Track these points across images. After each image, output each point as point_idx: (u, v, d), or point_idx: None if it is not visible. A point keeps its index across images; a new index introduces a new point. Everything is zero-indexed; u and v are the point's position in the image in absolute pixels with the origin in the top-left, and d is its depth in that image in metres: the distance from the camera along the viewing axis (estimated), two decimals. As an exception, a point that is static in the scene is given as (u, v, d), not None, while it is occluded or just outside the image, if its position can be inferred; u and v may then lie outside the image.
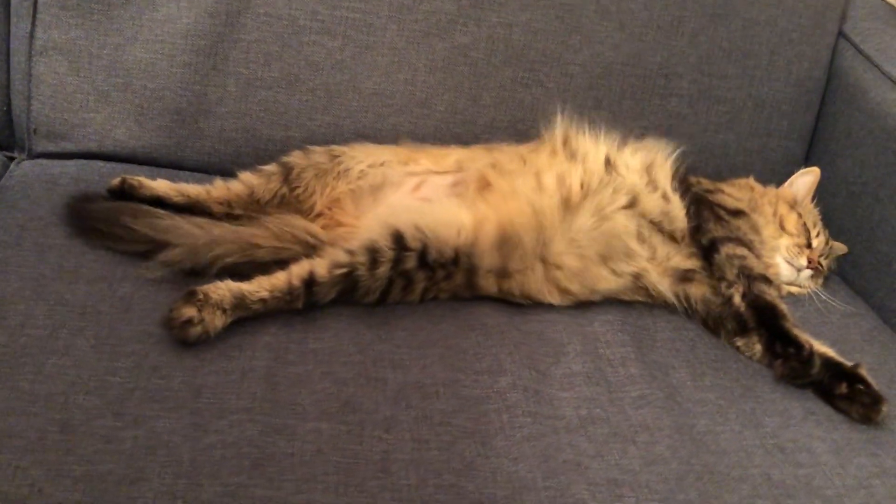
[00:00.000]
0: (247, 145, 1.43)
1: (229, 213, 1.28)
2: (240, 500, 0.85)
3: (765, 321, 1.21)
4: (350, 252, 1.14)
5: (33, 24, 1.31)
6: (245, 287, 1.07)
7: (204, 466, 0.87)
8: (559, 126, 1.39)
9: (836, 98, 1.59)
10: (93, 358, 0.97)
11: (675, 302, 1.29)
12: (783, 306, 1.23)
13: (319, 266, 1.12)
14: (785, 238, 1.41)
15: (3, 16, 1.34)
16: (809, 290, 1.41)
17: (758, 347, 1.22)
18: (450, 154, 1.39)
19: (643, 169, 1.37)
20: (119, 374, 0.96)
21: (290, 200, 1.31)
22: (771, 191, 1.49)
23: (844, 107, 1.57)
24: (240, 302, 1.06)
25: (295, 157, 1.34)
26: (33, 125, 1.36)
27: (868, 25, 1.61)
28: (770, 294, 1.24)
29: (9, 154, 1.40)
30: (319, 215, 1.31)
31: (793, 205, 1.46)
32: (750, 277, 1.25)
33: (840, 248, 1.50)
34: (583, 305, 1.27)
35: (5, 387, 0.91)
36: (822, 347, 1.20)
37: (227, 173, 1.37)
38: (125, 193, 1.25)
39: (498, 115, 1.49)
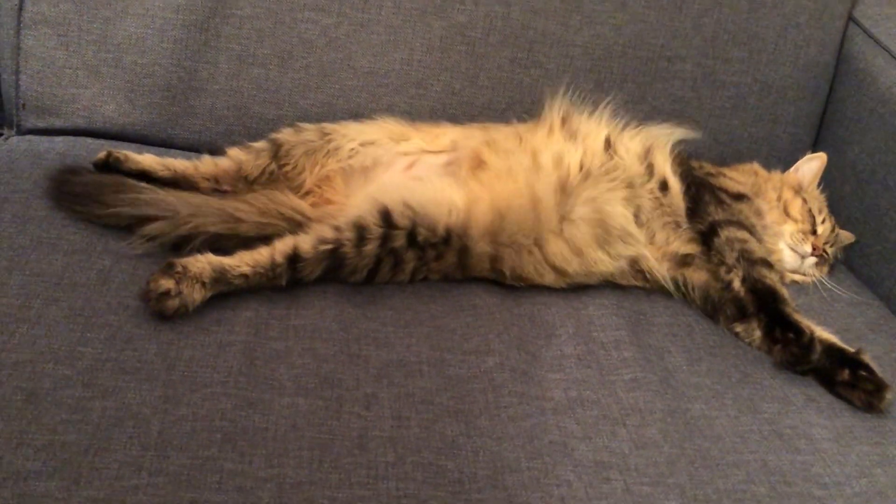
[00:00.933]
0: (238, 123, 1.40)
1: (216, 188, 1.26)
2: (207, 473, 0.82)
3: (764, 306, 1.16)
4: (336, 228, 1.11)
5: (22, -3, 1.29)
6: (226, 261, 1.04)
7: (173, 439, 0.84)
8: (559, 104, 1.35)
9: (845, 83, 1.55)
10: (65, 328, 0.95)
11: (672, 287, 1.25)
12: (784, 291, 1.19)
13: (304, 242, 1.09)
14: (789, 224, 1.37)
15: (-8, -12, 1.32)
16: (814, 278, 1.36)
17: (757, 333, 1.17)
18: (444, 133, 1.35)
19: (643, 152, 1.33)
20: (91, 344, 0.93)
21: (279, 177, 1.28)
22: (776, 176, 1.45)
23: (854, 92, 1.52)
24: (220, 276, 1.03)
25: (285, 134, 1.31)
26: (22, 100, 1.34)
27: (879, 10, 1.57)
28: (771, 278, 1.19)
29: (-3, 131, 1.38)
30: (308, 193, 1.28)
31: (798, 190, 1.41)
32: (750, 261, 1.21)
33: (847, 236, 1.45)
34: (578, 289, 1.24)
35: (-29, 354, 0.89)
36: (824, 333, 1.15)
37: (219, 152, 1.34)
38: (111, 167, 1.23)
39: (496, 97, 1.45)
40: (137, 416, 0.86)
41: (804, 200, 1.39)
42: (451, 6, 1.39)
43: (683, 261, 1.28)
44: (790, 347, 1.12)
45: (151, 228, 1.09)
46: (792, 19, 1.50)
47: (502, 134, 1.32)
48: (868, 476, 0.97)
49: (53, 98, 1.34)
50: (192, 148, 1.40)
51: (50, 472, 0.78)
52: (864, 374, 1.09)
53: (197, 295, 1.00)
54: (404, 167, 1.29)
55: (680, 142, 1.38)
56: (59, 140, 1.33)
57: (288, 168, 1.28)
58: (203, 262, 1.02)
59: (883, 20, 1.55)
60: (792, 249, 1.35)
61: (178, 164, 1.25)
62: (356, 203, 1.19)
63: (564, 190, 1.23)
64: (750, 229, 1.27)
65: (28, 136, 1.35)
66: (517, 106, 1.46)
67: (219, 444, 0.85)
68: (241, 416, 0.89)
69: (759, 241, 1.27)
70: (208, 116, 1.39)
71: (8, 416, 0.83)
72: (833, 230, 1.41)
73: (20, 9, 1.30)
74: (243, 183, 1.27)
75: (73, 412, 0.85)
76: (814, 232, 1.37)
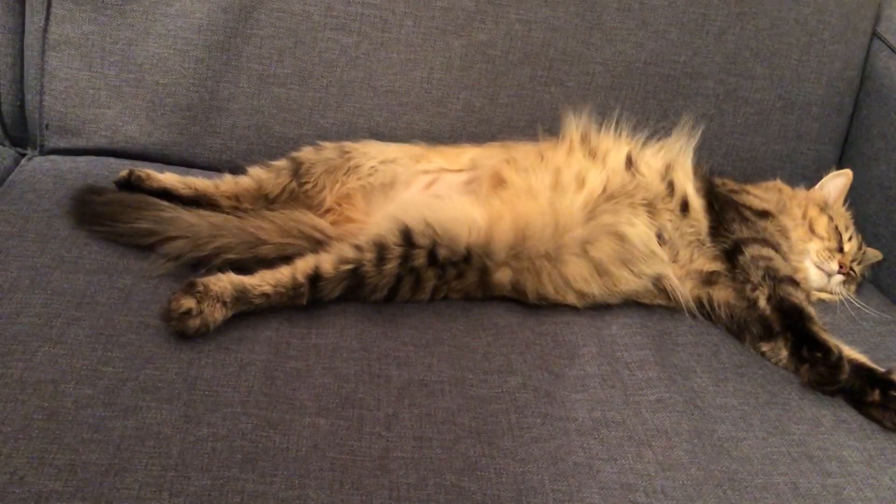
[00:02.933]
0: (259, 143, 1.41)
1: (237, 206, 1.25)
2: (227, 494, 0.81)
3: (791, 324, 1.15)
4: (357, 247, 1.11)
5: (47, 19, 1.31)
6: (247, 280, 1.04)
7: (194, 459, 0.84)
8: (578, 122, 1.34)
9: (871, 100, 1.54)
10: (87, 347, 0.94)
11: (696, 307, 1.24)
12: (810, 309, 1.17)
13: (325, 261, 1.08)
14: (815, 242, 1.35)
15: (18, 10, 1.34)
16: (841, 296, 1.34)
17: (784, 353, 1.16)
18: (464, 152, 1.35)
19: (664, 169, 1.32)
20: (112, 363, 0.93)
21: (300, 196, 1.28)
22: (800, 193, 1.43)
23: (879, 109, 1.51)
24: (241, 295, 1.02)
25: (305, 153, 1.32)
26: (45, 120, 1.35)
27: (904, 25, 1.56)
28: (797, 296, 1.18)
29: (21, 150, 1.39)
30: (329, 211, 1.28)
31: (823, 207, 1.40)
32: (776, 279, 1.19)
33: (875, 254, 1.43)
34: (601, 308, 1.23)
35: (-5, 373, 0.89)
36: (852, 353, 1.13)
37: (240, 171, 1.34)
38: (132, 185, 1.23)
39: (516, 115, 1.45)
40: (158, 436, 0.85)
41: (830, 218, 1.37)
42: (471, 25, 1.39)
43: (708, 279, 1.26)
44: (818, 367, 1.10)
45: (173, 247, 1.09)
46: (815, 35, 1.49)
47: (522, 152, 1.32)
48: (902, 500, 0.95)
49: (76, 118, 1.35)
50: (214, 167, 1.40)
51: (71, 492, 0.78)
52: (894, 394, 1.06)
53: (218, 314, 1.00)
54: (424, 185, 1.29)
55: (702, 157, 1.37)
56: (81, 160, 1.34)
57: (308, 186, 1.28)
58: (224, 282, 1.02)
59: (908, 36, 1.53)
60: (818, 267, 1.33)
61: (200, 182, 1.25)
62: (376, 221, 1.18)
63: (587, 211, 1.22)
64: (775, 247, 1.25)
65: (51, 156, 1.36)
66: (537, 123, 1.45)
67: (239, 465, 0.84)
68: (261, 437, 0.88)
69: (785, 258, 1.25)
70: (229, 135, 1.40)
71: (29, 435, 0.82)
72: (860, 248, 1.39)
73: (45, 30, 1.31)
74: (264, 201, 1.27)
75: (95, 432, 0.84)
76: (840, 249, 1.35)
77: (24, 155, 1.38)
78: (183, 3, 1.32)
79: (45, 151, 1.38)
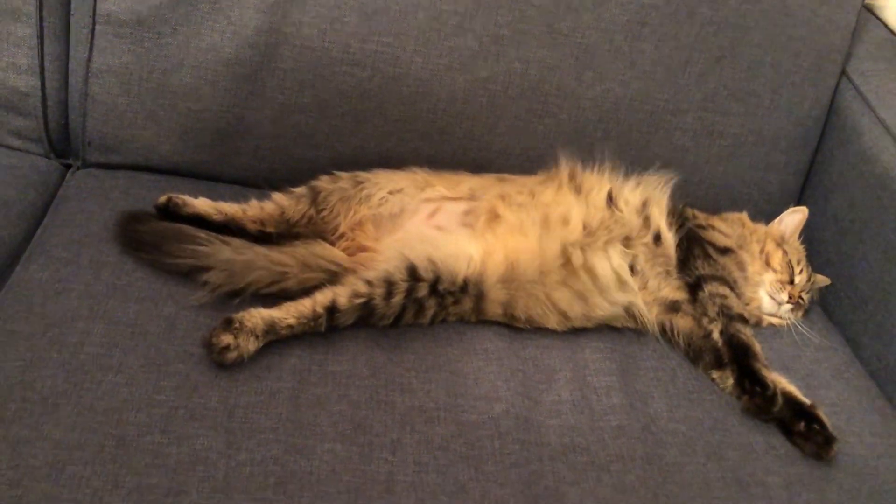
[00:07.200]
0: (279, 163, 1.56)
1: (262, 230, 1.41)
2: (265, 515, 1.00)
3: (738, 358, 1.34)
4: (368, 283, 1.28)
5: (90, 50, 1.44)
6: (275, 314, 1.21)
7: (236, 482, 1.03)
8: (567, 161, 1.51)
9: (834, 137, 1.68)
10: (142, 377, 1.12)
11: (659, 332, 1.42)
12: (757, 347, 1.36)
13: (341, 295, 1.26)
14: (769, 274, 1.53)
15: (64, 41, 1.47)
16: (789, 321, 1.53)
17: (730, 381, 1.34)
18: (463, 181, 1.51)
19: (641, 205, 1.49)
20: (164, 392, 1.11)
21: (317, 221, 1.44)
22: (761, 228, 1.61)
23: (840, 146, 1.66)
24: (270, 328, 1.20)
25: (322, 182, 1.47)
26: (88, 139, 1.50)
27: (870, 66, 1.69)
28: (745, 334, 1.37)
29: (65, 162, 1.55)
30: (342, 236, 1.44)
31: (780, 242, 1.57)
32: (729, 317, 1.38)
33: (823, 280, 1.62)
34: (577, 331, 1.40)
35: (70, 402, 1.07)
36: (787, 385, 1.33)
37: (261, 186, 1.52)
38: (170, 210, 1.39)
39: (511, 143, 1.60)
40: (206, 461, 1.04)
41: (785, 252, 1.55)
42: (474, 63, 1.53)
43: (672, 306, 1.44)
44: (755, 399, 1.29)
45: (210, 276, 1.26)
46: (788, 77, 1.64)
47: (515, 188, 1.48)
48: (810, 522, 1.16)
49: (115, 138, 1.50)
50: (238, 182, 1.56)
51: (141, 513, 0.98)
52: (816, 427, 1.26)
53: (252, 346, 1.18)
54: (427, 215, 1.45)
55: (676, 192, 1.54)
56: (120, 175, 1.49)
57: (325, 213, 1.44)
58: (256, 318, 1.19)
59: (873, 76, 1.67)
60: (770, 297, 1.52)
61: (229, 208, 1.41)
62: (385, 255, 1.34)
63: (570, 246, 1.39)
64: (731, 285, 1.44)
65: (92, 170, 1.51)
66: (531, 151, 1.61)
67: (273, 488, 1.03)
68: (289, 461, 1.07)
69: (739, 296, 1.44)
70: (252, 156, 1.55)
71: (103, 459, 1.01)
72: (809, 279, 1.57)
73: (89, 60, 1.44)
74: (286, 225, 1.43)
75: (155, 457, 1.03)
76: (791, 282, 1.53)
77: (68, 167, 1.54)
78: (213, 39, 1.45)
79: (87, 164, 1.53)
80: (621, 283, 1.42)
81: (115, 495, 0.98)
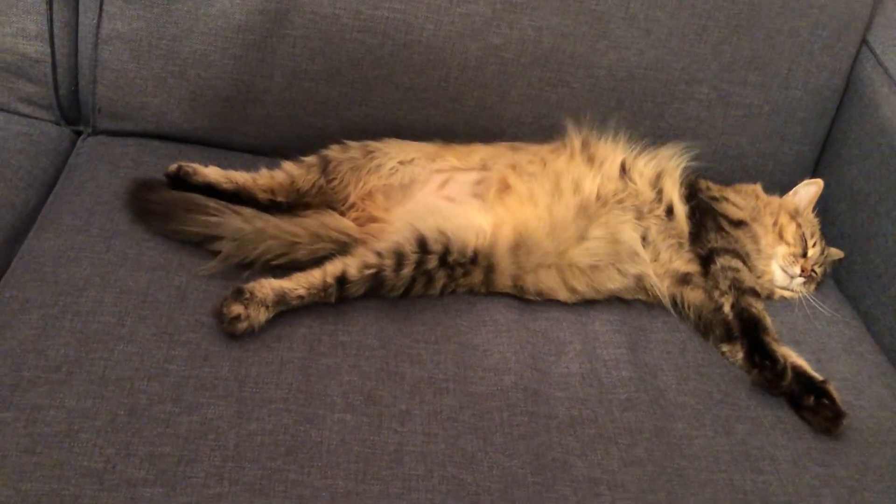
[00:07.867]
0: (289, 130, 1.55)
1: (272, 199, 1.40)
2: (275, 483, 1.01)
3: (748, 332, 1.33)
4: (378, 254, 1.27)
5: (100, 16, 1.43)
6: (286, 285, 1.21)
7: (247, 451, 1.04)
8: (580, 129, 1.49)
9: (852, 108, 1.66)
10: (153, 346, 1.13)
11: (670, 304, 1.42)
12: (767, 321, 1.35)
13: (351, 266, 1.26)
14: (782, 247, 1.52)
15: (73, 6, 1.46)
16: (801, 294, 1.52)
17: (740, 355, 1.34)
18: (475, 151, 1.50)
19: (655, 177, 1.48)
20: (176, 361, 1.12)
21: (327, 191, 1.44)
22: (775, 200, 1.59)
23: (858, 117, 1.64)
24: (281, 298, 1.20)
25: (333, 151, 1.46)
26: (98, 105, 1.49)
27: (892, 35, 1.66)
28: (756, 307, 1.36)
29: (76, 129, 1.54)
30: (352, 206, 1.44)
31: (794, 215, 1.55)
32: (740, 290, 1.37)
33: (836, 253, 1.60)
34: (588, 303, 1.40)
35: (83, 370, 1.07)
36: (797, 360, 1.33)
37: (270, 154, 1.52)
38: (180, 179, 1.39)
39: (524, 112, 1.59)
40: (217, 430, 1.05)
41: (798, 225, 1.54)
42: (487, 30, 1.51)
43: (683, 279, 1.44)
44: (765, 373, 1.29)
45: (221, 246, 1.26)
46: (806, 47, 1.61)
47: (527, 156, 1.47)
48: (816, 496, 1.16)
49: (125, 105, 1.49)
50: (248, 150, 1.56)
51: (153, 479, 0.98)
52: (826, 402, 1.26)
53: (262, 316, 1.18)
54: (438, 185, 1.45)
55: (690, 164, 1.53)
56: (130, 142, 1.49)
57: (335, 183, 1.44)
58: (267, 288, 1.19)
59: (894, 46, 1.64)
60: (783, 270, 1.51)
61: (240, 177, 1.40)
62: (395, 226, 1.34)
63: (581, 217, 1.38)
64: (744, 258, 1.43)
65: (102, 138, 1.51)
66: (544, 120, 1.59)
67: (283, 457, 1.04)
68: (300, 431, 1.08)
69: (752, 269, 1.43)
70: (262, 123, 1.54)
71: (116, 428, 1.02)
72: (822, 252, 1.56)
73: (98, 26, 1.43)
74: (296, 195, 1.42)
75: (166, 426, 1.04)
76: (804, 255, 1.52)
77: (79, 133, 1.54)
78: (223, 5, 1.43)
79: (96, 132, 1.52)
80: (634, 254, 1.41)
81: (127, 463, 0.99)
